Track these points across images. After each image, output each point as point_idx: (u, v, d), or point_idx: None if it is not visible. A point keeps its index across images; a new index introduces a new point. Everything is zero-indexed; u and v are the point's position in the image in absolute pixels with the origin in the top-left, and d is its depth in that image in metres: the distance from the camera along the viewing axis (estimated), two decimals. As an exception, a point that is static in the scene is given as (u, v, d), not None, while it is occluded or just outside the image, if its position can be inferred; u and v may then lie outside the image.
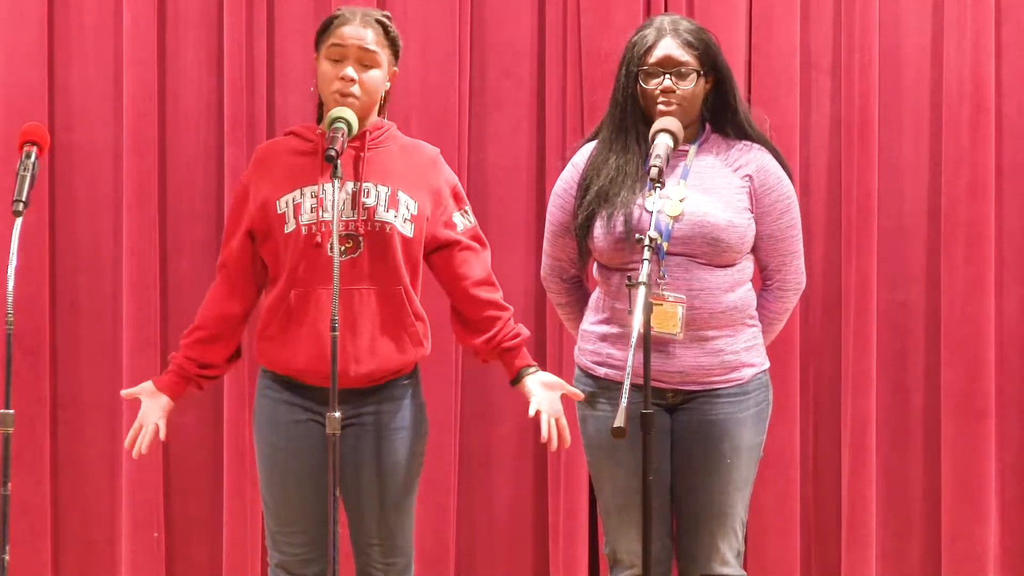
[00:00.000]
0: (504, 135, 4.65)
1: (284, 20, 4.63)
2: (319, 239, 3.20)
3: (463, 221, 3.36)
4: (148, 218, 4.60)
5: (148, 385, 3.35)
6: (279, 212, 3.25)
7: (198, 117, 4.64)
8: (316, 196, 3.23)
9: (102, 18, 4.64)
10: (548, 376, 3.31)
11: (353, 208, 3.24)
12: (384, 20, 3.29)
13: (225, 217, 3.42)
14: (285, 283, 3.25)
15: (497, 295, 3.35)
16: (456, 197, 3.36)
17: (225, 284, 3.34)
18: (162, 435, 3.31)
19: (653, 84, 3.31)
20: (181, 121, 4.65)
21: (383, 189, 3.26)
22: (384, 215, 3.24)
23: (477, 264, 3.35)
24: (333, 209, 3.07)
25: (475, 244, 3.37)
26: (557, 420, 3.25)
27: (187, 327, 3.41)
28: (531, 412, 3.26)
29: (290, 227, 3.24)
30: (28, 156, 3.15)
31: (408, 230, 3.27)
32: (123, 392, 3.41)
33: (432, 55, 4.59)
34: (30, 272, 4.50)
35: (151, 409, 3.32)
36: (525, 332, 3.35)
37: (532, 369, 3.31)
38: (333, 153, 3.08)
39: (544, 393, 3.27)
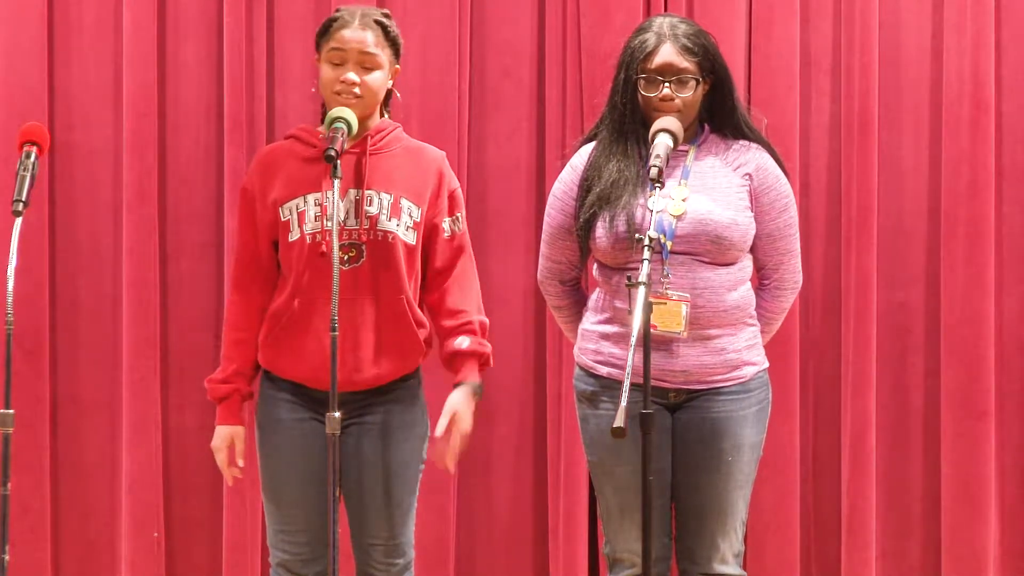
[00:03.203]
0: (504, 135, 4.65)
1: (284, 20, 4.63)
2: (324, 248, 3.19)
3: (451, 227, 3.35)
4: (148, 218, 4.59)
5: (222, 431, 3.34)
6: (283, 219, 3.26)
7: (198, 117, 4.64)
8: (320, 204, 3.23)
9: (102, 18, 4.64)
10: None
11: (356, 217, 3.24)
12: (383, 20, 3.29)
13: (237, 220, 3.41)
14: (291, 291, 3.26)
15: (457, 319, 3.33)
16: (452, 202, 3.35)
17: (253, 285, 3.32)
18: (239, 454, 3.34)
19: (653, 92, 3.31)
20: (181, 121, 4.65)
21: (386, 197, 3.26)
22: (387, 224, 3.24)
23: (446, 290, 3.35)
24: (334, 207, 3.07)
25: (449, 267, 3.35)
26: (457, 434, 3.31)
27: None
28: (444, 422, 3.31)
29: (294, 235, 3.24)
30: (28, 156, 3.14)
31: (410, 238, 3.27)
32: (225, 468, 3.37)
33: (432, 55, 4.59)
34: (30, 272, 4.50)
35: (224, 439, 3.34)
36: (479, 346, 3.34)
37: (469, 385, 3.34)
38: (333, 153, 3.08)
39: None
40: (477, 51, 4.65)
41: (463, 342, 3.31)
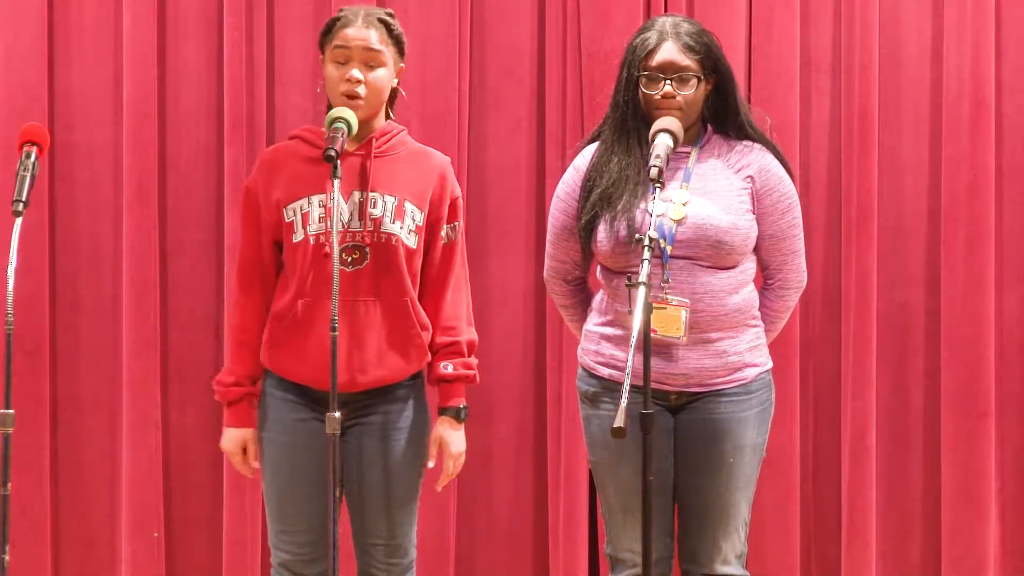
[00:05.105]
0: (504, 135, 4.65)
1: (284, 20, 4.63)
2: (328, 249, 3.19)
3: (448, 234, 3.35)
4: (148, 218, 4.60)
5: (234, 434, 3.33)
6: (287, 220, 3.26)
7: (198, 117, 4.64)
8: (324, 205, 3.23)
9: (102, 18, 4.64)
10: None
11: (360, 219, 3.24)
12: (387, 19, 3.30)
13: (240, 221, 3.41)
14: (294, 292, 3.26)
15: (447, 337, 3.33)
16: (452, 209, 3.36)
17: (258, 286, 3.32)
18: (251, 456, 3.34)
19: (654, 89, 3.32)
20: (181, 121, 4.65)
21: (390, 199, 3.26)
22: (390, 227, 3.25)
23: (439, 299, 3.35)
24: (335, 207, 3.08)
25: (443, 274, 3.35)
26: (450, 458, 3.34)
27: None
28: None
29: (298, 236, 3.25)
30: (28, 156, 3.15)
31: (412, 241, 3.28)
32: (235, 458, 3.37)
33: (432, 55, 4.59)
34: (30, 272, 4.50)
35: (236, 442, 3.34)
36: (464, 370, 3.34)
37: (451, 411, 3.34)
38: (332, 153, 3.08)
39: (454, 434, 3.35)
40: (477, 51, 4.65)
41: (447, 367, 3.33)
